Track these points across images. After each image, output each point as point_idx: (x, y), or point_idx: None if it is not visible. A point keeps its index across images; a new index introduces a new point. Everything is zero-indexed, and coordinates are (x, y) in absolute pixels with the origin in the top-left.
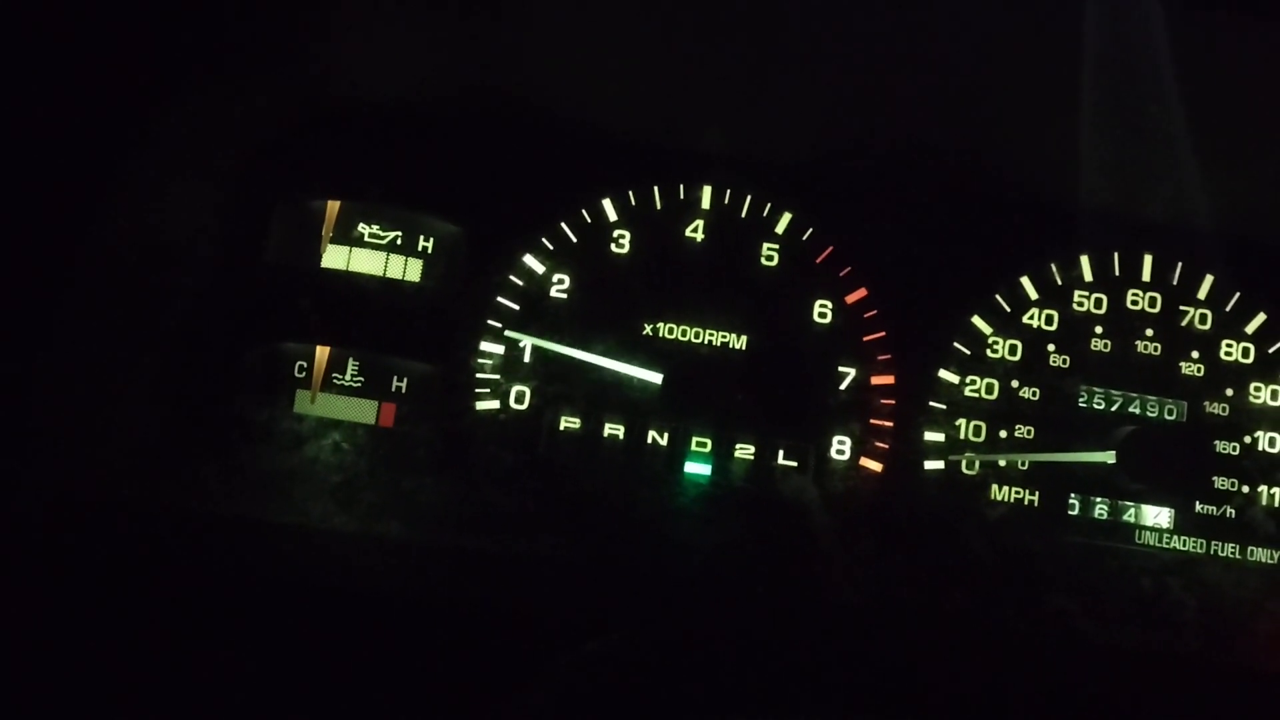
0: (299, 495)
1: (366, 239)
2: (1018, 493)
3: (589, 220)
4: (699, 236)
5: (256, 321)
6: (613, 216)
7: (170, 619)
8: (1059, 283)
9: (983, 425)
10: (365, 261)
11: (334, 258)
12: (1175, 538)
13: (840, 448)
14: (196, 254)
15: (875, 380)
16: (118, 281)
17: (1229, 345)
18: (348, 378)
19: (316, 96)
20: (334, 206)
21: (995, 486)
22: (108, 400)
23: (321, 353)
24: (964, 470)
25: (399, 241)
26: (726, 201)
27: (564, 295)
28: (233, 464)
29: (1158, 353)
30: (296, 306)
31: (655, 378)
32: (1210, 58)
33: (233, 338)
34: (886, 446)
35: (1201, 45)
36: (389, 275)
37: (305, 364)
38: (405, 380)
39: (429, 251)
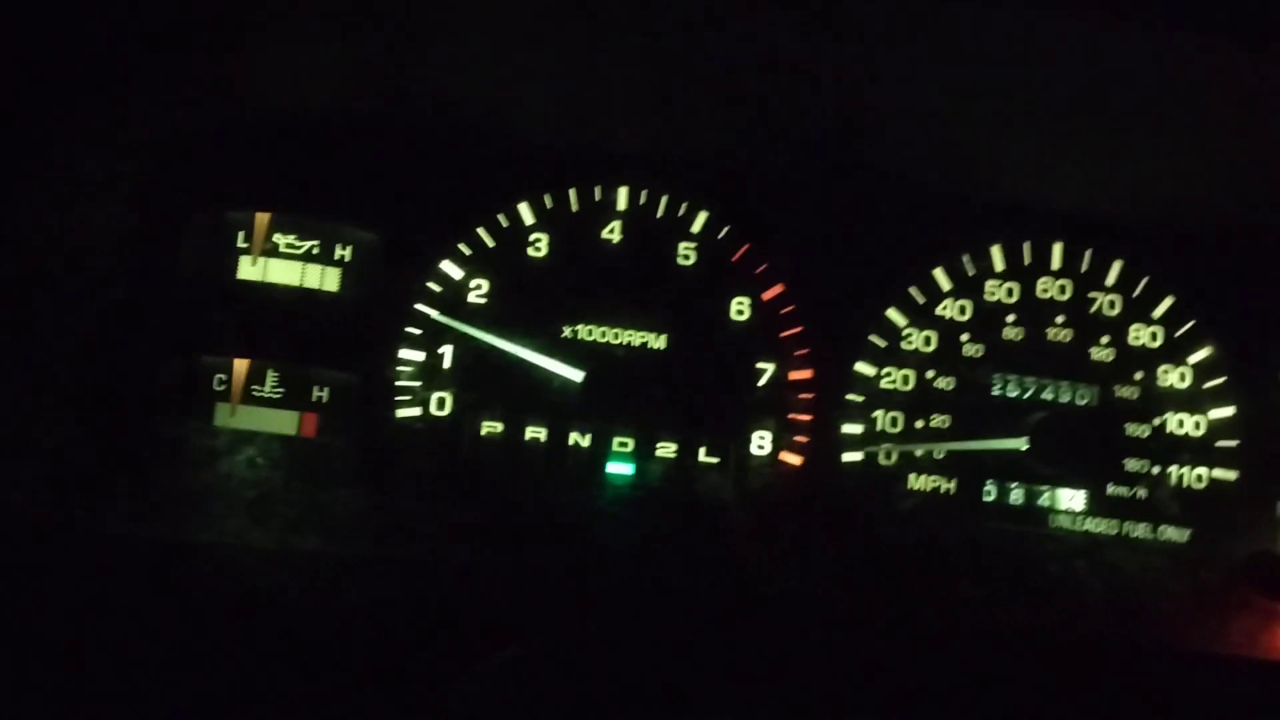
0: (219, 512)
1: (283, 249)
2: (934, 481)
3: (506, 224)
4: (616, 237)
5: (173, 335)
6: (529, 220)
7: (83, 641)
8: (971, 273)
9: (899, 416)
10: (282, 272)
11: (250, 269)
12: (1089, 520)
13: (761, 443)
14: (110, 268)
15: (793, 375)
16: (28, 297)
17: (1138, 329)
18: (268, 389)
19: (228, 108)
20: (249, 217)
21: (912, 476)
22: (20, 419)
23: (240, 365)
24: (881, 461)
25: (316, 251)
26: (643, 202)
27: (483, 300)
28: (150, 481)
29: (1069, 339)
30: (213, 319)
31: (576, 376)
32: (1111, 48)
33: (149, 352)
34: (806, 440)
35: (1103, 36)
36: (306, 285)
37: (224, 376)
38: (326, 390)
39: (346, 260)
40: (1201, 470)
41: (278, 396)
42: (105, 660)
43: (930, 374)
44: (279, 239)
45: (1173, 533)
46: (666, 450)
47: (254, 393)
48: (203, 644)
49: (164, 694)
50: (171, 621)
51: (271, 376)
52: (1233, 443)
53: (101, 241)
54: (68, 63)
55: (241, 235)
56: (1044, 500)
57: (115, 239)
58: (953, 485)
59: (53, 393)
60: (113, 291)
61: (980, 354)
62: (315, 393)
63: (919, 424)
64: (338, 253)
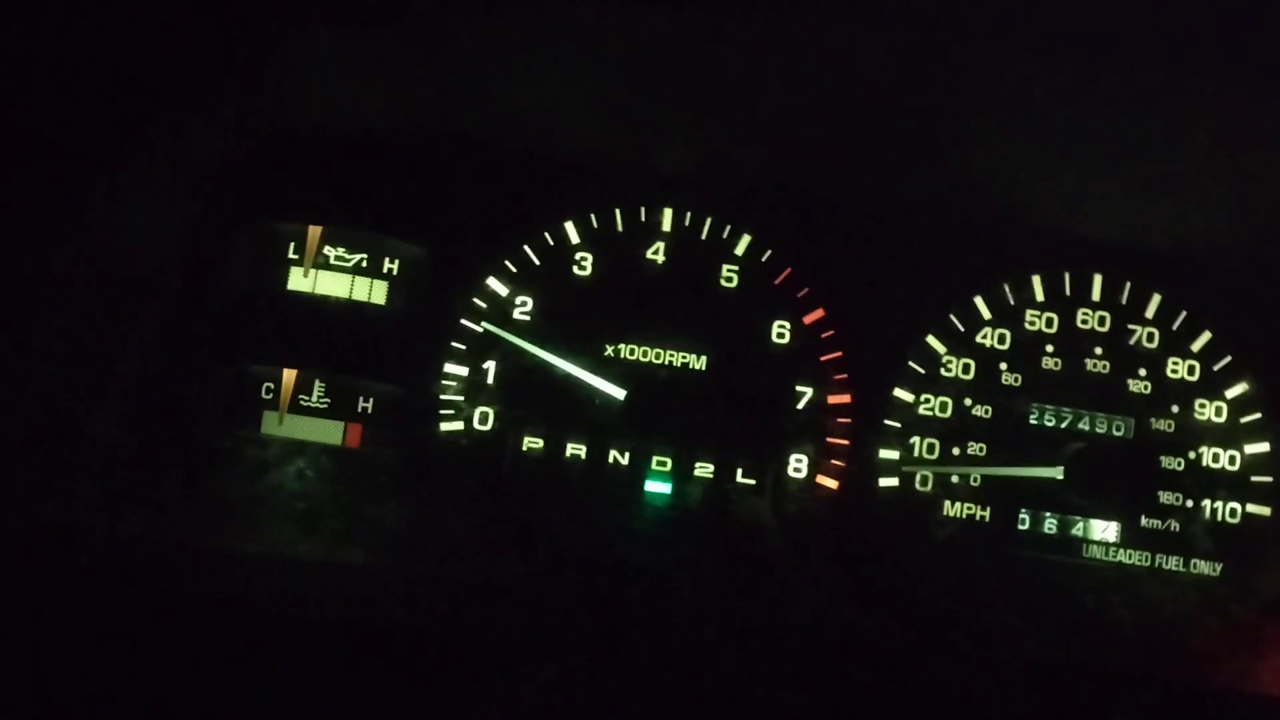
0: (268, 522)
1: (332, 262)
2: (969, 509)
3: (551, 243)
4: (660, 258)
5: (224, 344)
6: (575, 239)
7: (135, 650)
8: (1011, 303)
9: (936, 443)
10: (331, 284)
11: (301, 280)
12: (1122, 551)
13: (797, 466)
14: (162, 280)
15: (832, 400)
16: (82, 309)
17: (1175, 363)
18: (315, 399)
19: (280, 122)
20: (301, 230)
21: (948, 503)
22: (71, 428)
23: (289, 375)
24: (917, 487)
25: (364, 264)
26: (687, 224)
27: (527, 317)
28: (199, 491)
29: (1106, 371)
30: (263, 329)
31: (618, 394)
32: (1153, 85)
33: (200, 361)
34: (842, 464)
35: (1144, 74)
36: (354, 298)
37: (273, 385)
38: (371, 401)
39: (394, 274)
40: (1235, 505)
41: (324, 407)
42: (153, 669)
43: (968, 402)
44: (329, 251)
45: (1205, 567)
46: (704, 470)
47: (301, 402)
48: (249, 654)
49: (209, 703)
50: (218, 631)
51: (319, 387)
52: (1267, 478)
53: (156, 252)
54: (129, 80)
55: (293, 247)
56: (1077, 530)
57: (169, 250)
58: (987, 513)
59: (104, 402)
60: (165, 301)
61: (1018, 383)
62: (361, 404)
63: (955, 451)
64: (385, 266)
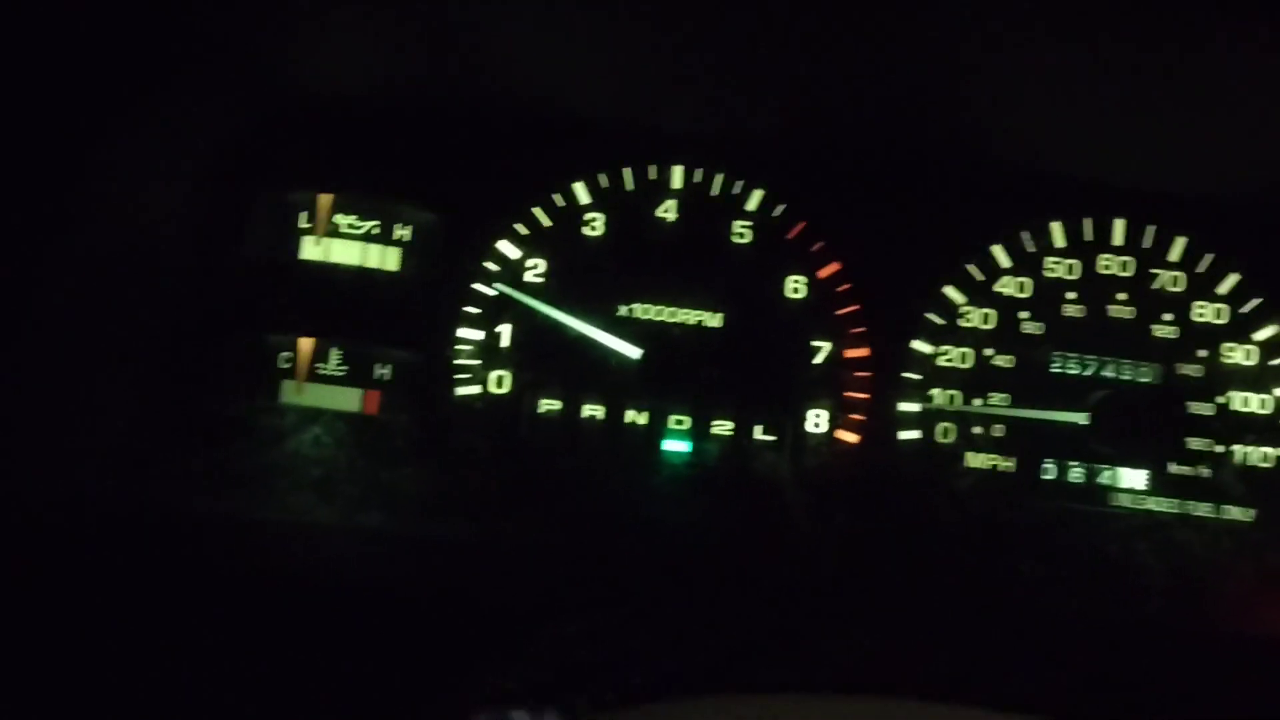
0: (286, 488)
1: (344, 230)
2: (992, 460)
3: (562, 204)
4: (671, 216)
5: (237, 315)
6: (585, 199)
7: (154, 619)
8: (1031, 250)
9: (957, 394)
10: (344, 252)
11: (313, 249)
12: (1150, 499)
13: (817, 421)
14: (175, 249)
15: (850, 353)
16: (95, 280)
17: (1201, 307)
18: (331, 367)
19: (288, 90)
20: (312, 198)
21: (970, 454)
22: (89, 399)
23: (305, 343)
24: (939, 439)
25: (376, 231)
26: (697, 180)
27: (540, 279)
28: (218, 459)
29: (1131, 316)
30: (278, 298)
31: (634, 353)
32: (1175, 22)
33: (215, 331)
34: (862, 419)
35: (1167, 10)
36: (367, 265)
37: (290, 355)
38: (388, 368)
39: (406, 240)
40: (1267, 449)
41: (341, 374)
42: (175, 638)
43: (989, 352)
44: (340, 219)
45: (1237, 513)
46: (722, 428)
47: (318, 371)
48: (268, 619)
49: (231, 669)
50: (239, 597)
51: (335, 355)
52: None
53: (167, 222)
54: (136, 46)
55: (304, 216)
56: (1104, 479)
57: (181, 220)
58: (1011, 464)
59: (120, 373)
60: (179, 271)
61: (1040, 332)
62: (377, 371)
63: (977, 402)
64: (397, 233)
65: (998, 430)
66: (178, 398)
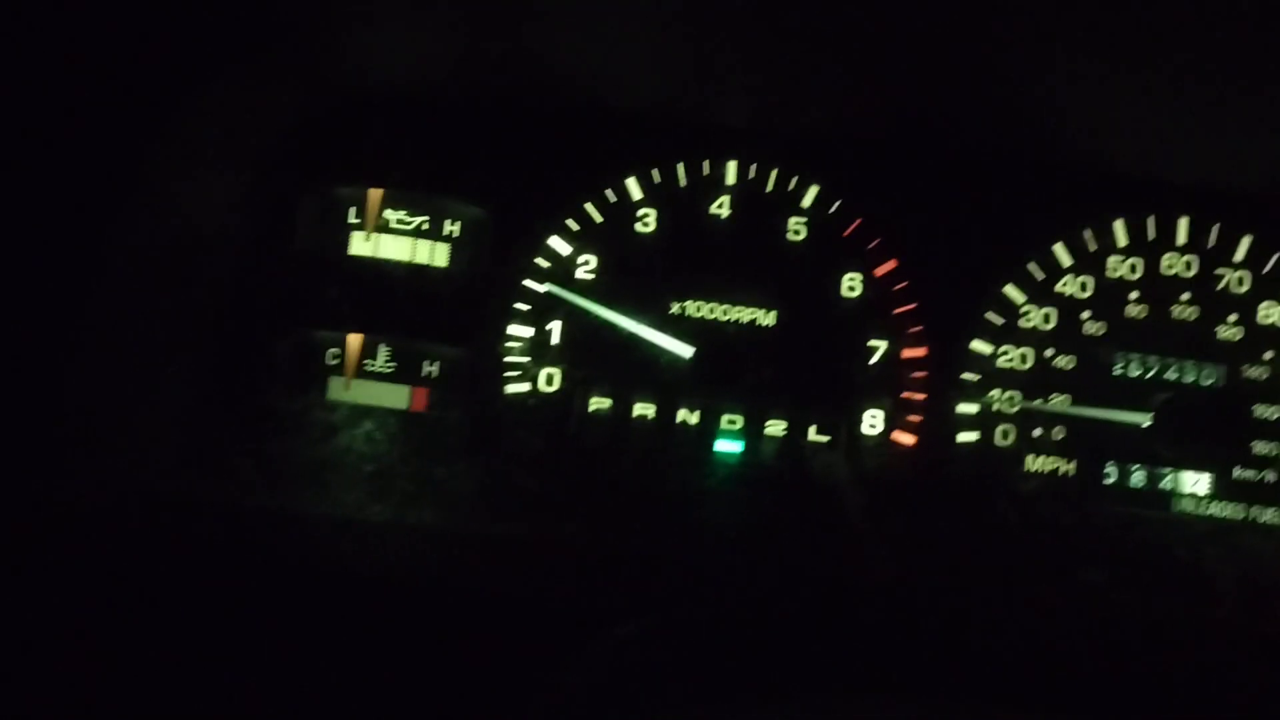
0: (334, 485)
1: (393, 225)
2: (1053, 463)
3: (613, 200)
4: (725, 212)
5: (287, 310)
6: (637, 195)
7: (207, 612)
8: (1093, 249)
9: (1017, 396)
10: (393, 248)
11: (363, 245)
12: (1214, 504)
13: (872, 422)
14: (225, 244)
15: (906, 353)
16: (147, 274)
17: (1268, 307)
18: (380, 364)
19: (339, 85)
20: (362, 194)
21: (1030, 457)
22: (140, 394)
23: (354, 339)
24: (998, 441)
25: (425, 227)
26: (752, 176)
27: (591, 275)
28: (269, 454)
29: (1195, 317)
30: (327, 294)
31: (686, 351)
32: (1238, 13)
33: (264, 327)
34: (919, 420)
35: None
36: (417, 261)
37: (338, 351)
38: (437, 365)
39: (455, 236)
40: None
41: (390, 371)
42: (227, 631)
43: (1049, 353)
44: (389, 215)
45: None
46: (776, 428)
47: (367, 367)
48: (321, 615)
49: (283, 663)
50: (288, 592)
51: (383, 351)
52: None
53: (217, 218)
54: (189, 43)
55: (354, 211)
56: (1167, 483)
57: (232, 215)
58: (1072, 467)
59: (171, 368)
60: (229, 268)
61: (1102, 332)
62: (426, 368)
63: (1037, 404)
64: (447, 228)
65: (1058, 433)
66: (228, 392)
